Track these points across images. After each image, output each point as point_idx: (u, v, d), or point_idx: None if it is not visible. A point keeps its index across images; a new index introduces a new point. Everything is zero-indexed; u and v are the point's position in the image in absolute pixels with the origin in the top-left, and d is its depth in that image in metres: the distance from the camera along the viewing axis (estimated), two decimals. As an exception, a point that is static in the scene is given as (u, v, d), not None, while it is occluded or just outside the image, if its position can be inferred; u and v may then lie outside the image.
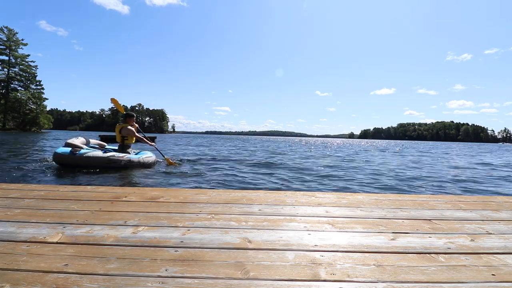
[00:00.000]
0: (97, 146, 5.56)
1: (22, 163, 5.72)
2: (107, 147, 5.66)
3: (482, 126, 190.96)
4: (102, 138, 18.10)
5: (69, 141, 5.04)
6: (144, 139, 5.74)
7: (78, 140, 5.19)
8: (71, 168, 4.88)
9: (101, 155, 4.96)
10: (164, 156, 6.19)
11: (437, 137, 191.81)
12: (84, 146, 5.15)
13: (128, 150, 5.52)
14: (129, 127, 5.41)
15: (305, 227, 1.23)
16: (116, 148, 5.58)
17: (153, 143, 5.99)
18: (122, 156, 5.12)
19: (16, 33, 41.96)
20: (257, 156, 10.06)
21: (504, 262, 0.93)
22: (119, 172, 4.90)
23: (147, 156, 5.61)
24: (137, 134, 5.57)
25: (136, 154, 5.59)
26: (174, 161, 6.36)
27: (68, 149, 4.86)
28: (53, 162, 5.17)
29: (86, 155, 4.86)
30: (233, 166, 6.63)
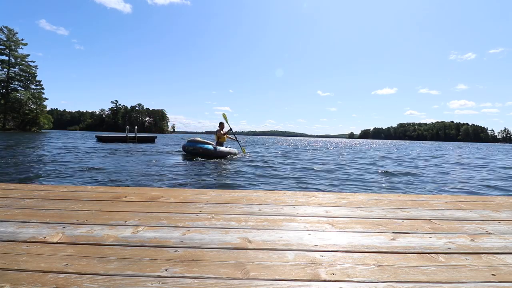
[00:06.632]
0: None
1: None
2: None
3: (482, 126, 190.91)
4: (100, 138, 18.19)
5: (195, 138, 8.48)
6: (230, 137, 9.15)
7: (199, 138, 8.52)
8: (208, 158, 7.97)
9: (224, 150, 8.28)
10: (241, 147, 9.73)
11: (437, 137, 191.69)
12: (204, 141, 8.34)
13: (222, 146, 8.53)
14: (221, 131, 8.62)
15: (305, 227, 1.23)
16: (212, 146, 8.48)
17: (234, 138, 9.39)
18: (228, 150, 8.47)
19: (16, 33, 41.99)
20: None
21: (504, 262, 0.93)
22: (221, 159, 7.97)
23: (233, 150, 8.96)
24: (223, 135, 8.65)
25: (226, 147, 8.72)
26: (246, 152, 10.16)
27: (207, 146, 8.08)
28: (183, 152, 8.96)
29: (219, 149, 8.11)
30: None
